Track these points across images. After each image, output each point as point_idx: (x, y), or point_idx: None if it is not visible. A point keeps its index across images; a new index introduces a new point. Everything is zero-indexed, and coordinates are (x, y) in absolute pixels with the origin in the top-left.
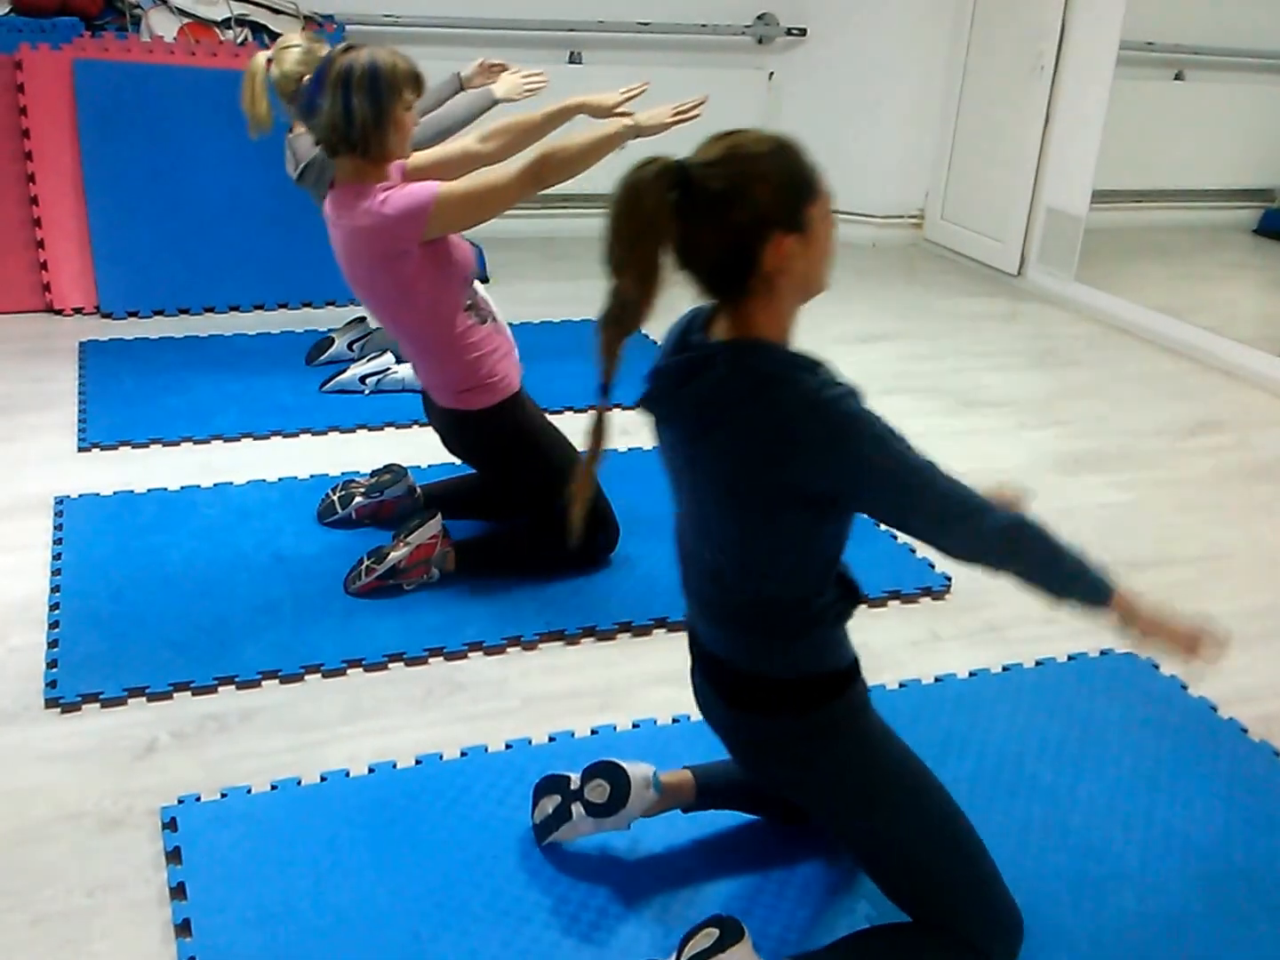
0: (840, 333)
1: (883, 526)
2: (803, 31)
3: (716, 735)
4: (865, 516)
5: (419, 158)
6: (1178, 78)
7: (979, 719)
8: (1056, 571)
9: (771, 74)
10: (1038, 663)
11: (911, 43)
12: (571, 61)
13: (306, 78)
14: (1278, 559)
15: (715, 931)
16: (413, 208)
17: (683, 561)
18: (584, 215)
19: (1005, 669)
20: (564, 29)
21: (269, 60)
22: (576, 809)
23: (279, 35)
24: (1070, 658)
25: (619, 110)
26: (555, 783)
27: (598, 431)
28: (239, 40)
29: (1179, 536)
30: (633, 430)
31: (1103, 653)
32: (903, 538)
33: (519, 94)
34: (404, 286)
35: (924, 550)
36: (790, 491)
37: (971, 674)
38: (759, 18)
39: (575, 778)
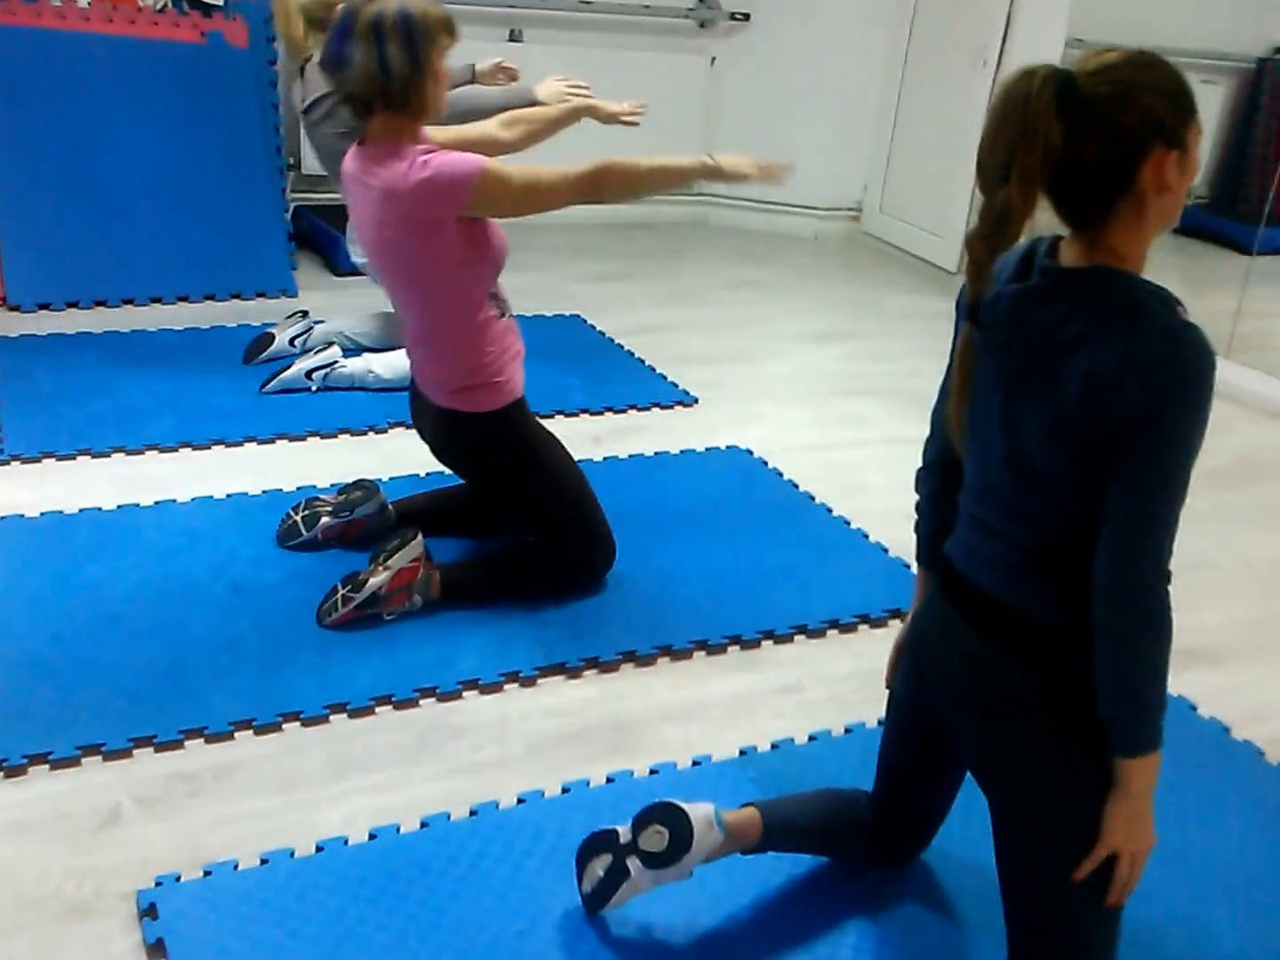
0: (794, 330)
1: (874, 537)
2: (746, 16)
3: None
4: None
5: (436, 134)
6: None
7: None
8: (1156, 683)
9: (714, 59)
10: None
11: (854, 32)
12: (511, 39)
13: (340, 6)
14: (1258, 568)
15: None
16: (456, 178)
17: (975, 496)
18: None
19: None
20: (504, 6)
21: None
22: (633, 863)
23: (201, 2)
24: None
25: (627, 120)
26: (602, 840)
27: (965, 363)
28: (158, 6)
29: None
30: (605, 439)
31: None
32: (895, 550)
33: (558, 100)
34: (431, 259)
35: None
36: (1116, 428)
37: None
38: (701, 1)
39: (624, 830)
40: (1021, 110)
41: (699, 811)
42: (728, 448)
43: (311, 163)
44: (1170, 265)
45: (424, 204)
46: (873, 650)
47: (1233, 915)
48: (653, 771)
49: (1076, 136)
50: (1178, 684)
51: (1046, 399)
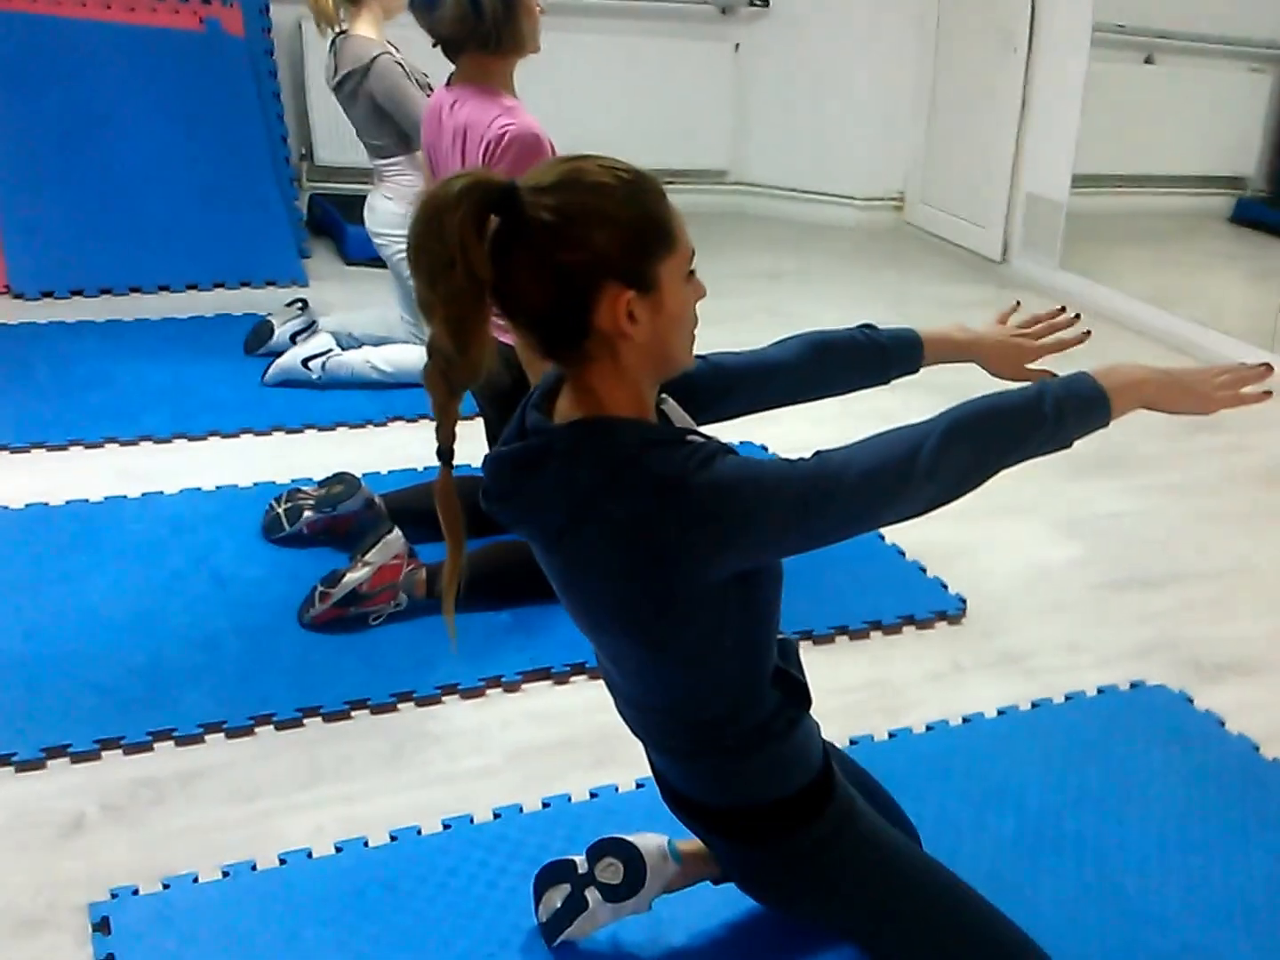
0: (832, 321)
1: (889, 539)
2: (765, 2)
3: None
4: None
5: None
6: (1148, 61)
7: (1014, 767)
8: (1030, 430)
9: (737, 45)
10: (1067, 697)
11: (875, 18)
12: None
13: None
14: None
15: None
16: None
17: (606, 683)
18: None
19: (1035, 705)
20: None
21: None
22: (591, 895)
23: None
24: (1100, 690)
25: None
26: (560, 870)
27: (448, 508)
28: None
29: (1198, 548)
30: None
31: (1133, 685)
32: (911, 554)
33: None
34: None
35: (934, 570)
36: (682, 589)
37: (1000, 712)
38: None
39: (581, 860)
40: (436, 232)
41: (651, 844)
42: (741, 443)
43: (324, 153)
44: (1226, 256)
45: (496, 155)
46: (884, 658)
47: (1254, 948)
48: (639, 785)
49: (513, 268)
50: (1205, 698)
51: (581, 580)
